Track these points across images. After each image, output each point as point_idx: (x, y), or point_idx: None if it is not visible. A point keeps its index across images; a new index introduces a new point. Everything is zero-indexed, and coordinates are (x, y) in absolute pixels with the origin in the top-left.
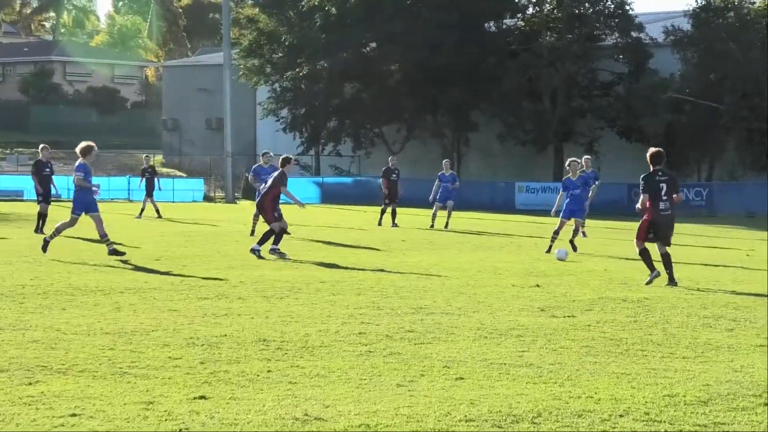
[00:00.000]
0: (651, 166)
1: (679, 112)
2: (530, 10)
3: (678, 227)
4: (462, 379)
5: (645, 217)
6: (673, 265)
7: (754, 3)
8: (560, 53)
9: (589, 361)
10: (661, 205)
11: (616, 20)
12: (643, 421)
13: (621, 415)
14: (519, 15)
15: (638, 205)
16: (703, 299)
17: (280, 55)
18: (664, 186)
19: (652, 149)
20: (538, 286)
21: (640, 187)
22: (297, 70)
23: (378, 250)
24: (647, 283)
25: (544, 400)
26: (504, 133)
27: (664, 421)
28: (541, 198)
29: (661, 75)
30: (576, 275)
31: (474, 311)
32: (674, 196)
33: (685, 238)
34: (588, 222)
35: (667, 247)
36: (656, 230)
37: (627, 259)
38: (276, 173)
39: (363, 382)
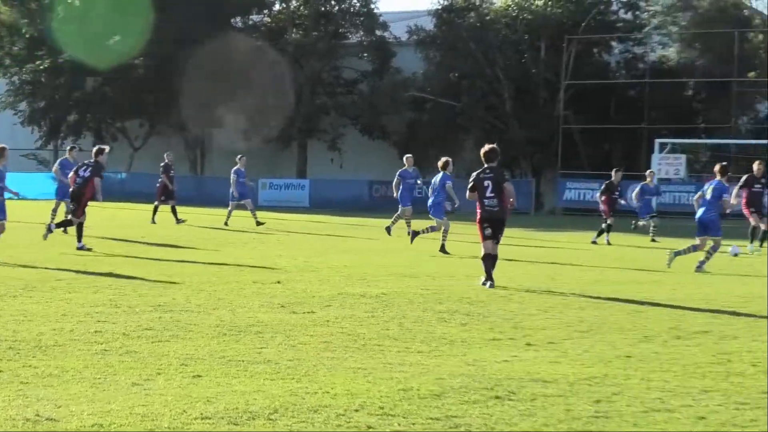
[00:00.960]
0: (484, 163)
1: (420, 110)
2: (277, 6)
3: (417, 224)
4: (199, 376)
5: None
6: (494, 267)
7: (494, 3)
8: (306, 51)
9: (326, 357)
10: (486, 202)
11: (362, 18)
12: (378, 415)
13: (356, 410)
14: (266, 11)
15: (467, 197)
16: (439, 294)
17: (21, 47)
18: (489, 184)
19: (487, 146)
20: (279, 282)
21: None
22: (38, 62)
23: (117, 244)
24: (483, 284)
25: (281, 396)
26: (248, 130)
27: (398, 415)
28: (284, 194)
29: (404, 74)
30: (317, 272)
31: (214, 308)
32: (510, 200)
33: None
34: (327, 219)
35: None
36: (489, 226)
37: (367, 254)
38: (92, 164)
39: (97, 381)
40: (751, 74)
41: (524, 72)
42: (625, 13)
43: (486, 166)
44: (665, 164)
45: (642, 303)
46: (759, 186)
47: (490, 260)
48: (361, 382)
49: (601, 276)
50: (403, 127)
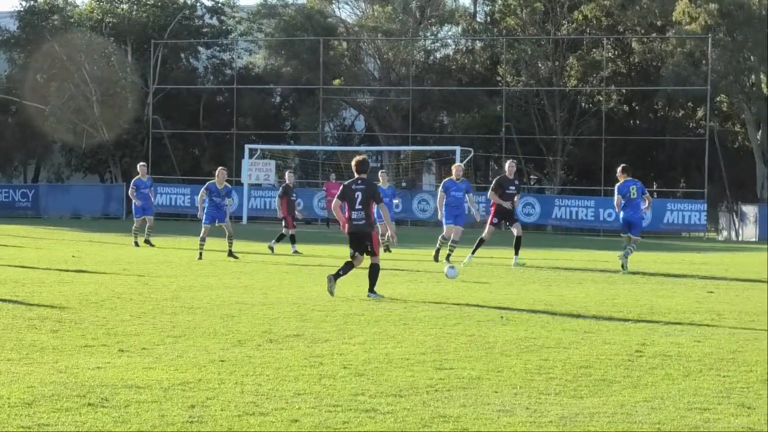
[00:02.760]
0: (355, 173)
1: (6, 113)
2: None
3: (4, 229)
4: None
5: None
6: (377, 278)
7: (78, 6)
8: None
9: None
10: (354, 215)
11: None
12: None
13: None
14: None
15: (334, 210)
16: (29, 301)
17: None
18: (359, 195)
19: (358, 156)
20: None
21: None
22: None
23: None
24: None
25: None
26: None
27: None
28: None
29: None
30: None
31: None
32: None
33: (12, 239)
34: None
35: (373, 258)
36: (352, 241)
37: None
38: None
39: None
40: (337, 81)
41: (111, 75)
42: (211, 18)
43: (357, 176)
44: (255, 170)
45: (235, 307)
46: (513, 188)
47: (346, 266)
48: None
49: (194, 282)
50: None
